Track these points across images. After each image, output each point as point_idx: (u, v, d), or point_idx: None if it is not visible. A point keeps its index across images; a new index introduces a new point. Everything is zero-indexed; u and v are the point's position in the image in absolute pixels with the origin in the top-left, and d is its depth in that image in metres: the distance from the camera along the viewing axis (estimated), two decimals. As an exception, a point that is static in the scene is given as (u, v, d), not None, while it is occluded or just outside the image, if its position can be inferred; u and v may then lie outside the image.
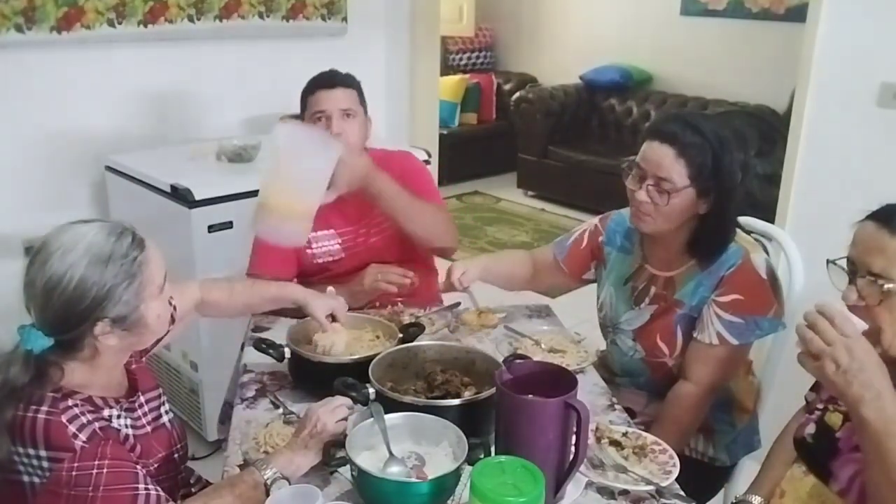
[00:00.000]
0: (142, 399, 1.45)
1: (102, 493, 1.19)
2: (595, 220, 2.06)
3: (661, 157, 1.69)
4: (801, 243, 1.95)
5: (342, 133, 2.05)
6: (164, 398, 1.52)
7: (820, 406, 1.46)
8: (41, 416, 1.22)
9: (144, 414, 1.44)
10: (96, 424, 1.25)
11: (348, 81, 2.14)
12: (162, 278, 1.36)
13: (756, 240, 1.88)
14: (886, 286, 1.25)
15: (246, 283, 1.94)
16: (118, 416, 1.35)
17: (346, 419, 1.40)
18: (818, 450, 1.41)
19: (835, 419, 1.39)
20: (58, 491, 1.19)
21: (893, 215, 1.26)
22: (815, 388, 1.56)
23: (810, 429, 1.44)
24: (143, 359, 1.54)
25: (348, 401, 1.43)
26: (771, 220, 2.53)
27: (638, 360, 1.90)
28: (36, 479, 1.21)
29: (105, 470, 1.21)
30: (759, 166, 4.44)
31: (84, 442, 1.21)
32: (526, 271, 2.11)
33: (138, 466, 1.27)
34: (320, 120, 2.08)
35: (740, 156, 1.77)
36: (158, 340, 1.46)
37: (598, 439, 1.49)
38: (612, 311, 1.95)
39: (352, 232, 2.20)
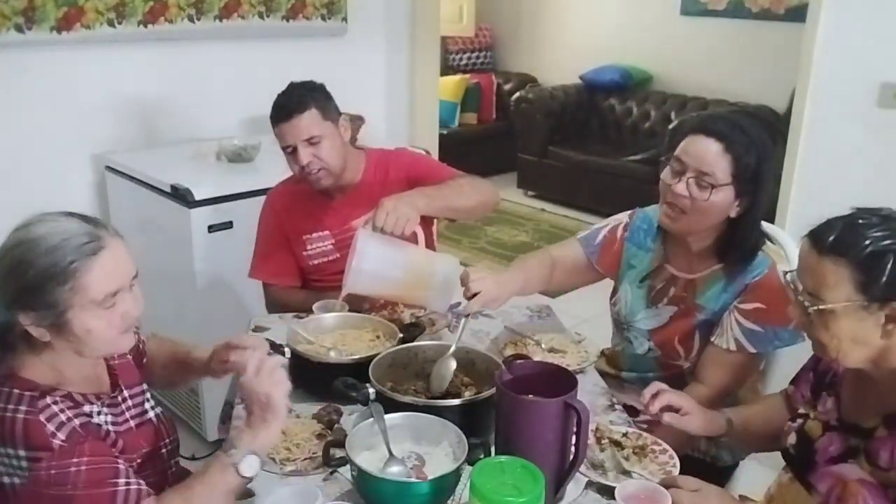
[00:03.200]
0: (125, 394, 1.44)
1: (83, 491, 1.19)
2: (624, 216, 1.99)
3: (706, 150, 1.67)
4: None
5: (310, 161, 2.05)
6: (148, 393, 1.51)
7: (801, 411, 1.46)
8: (20, 415, 1.21)
9: (128, 408, 1.43)
10: (76, 421, 1.24)
11: (303, 104, 2.04)
12: (104, 294, 1.26)
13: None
14: (811, 308, 1.24)
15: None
16: (99, 413, 1.34)
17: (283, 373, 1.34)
18: (799, 460, 1.40)
19: (814, 428, 1.38)
20: (38, 491, 1.19)
21: (824, 235, 1.23)
22: (795, 380, 1.57)
23: (792, 438, 1.43)
24: (129, 355, 1.52)
25: (278, 357, 1.38)
26: (771, 220, 2.53)
27: (651, 359, 1.90)
28: (16, 480, 1.20)
29: (84, 467, 1.20)
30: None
31: (63, 441, 1.21)
32: (545, 274, 1.96)
33: (120, 461, 1.26)
34: (289, 153, 2.08)
35: (774, 165, 1.75)
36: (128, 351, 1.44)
37: (599, 440, 1.49)
38: (627, 308, 1.93)
39: (345, 231, 2.18)
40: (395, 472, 1.32)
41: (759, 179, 1.68)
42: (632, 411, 1.81)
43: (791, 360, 1.66)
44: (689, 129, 1.74)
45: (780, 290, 1.71)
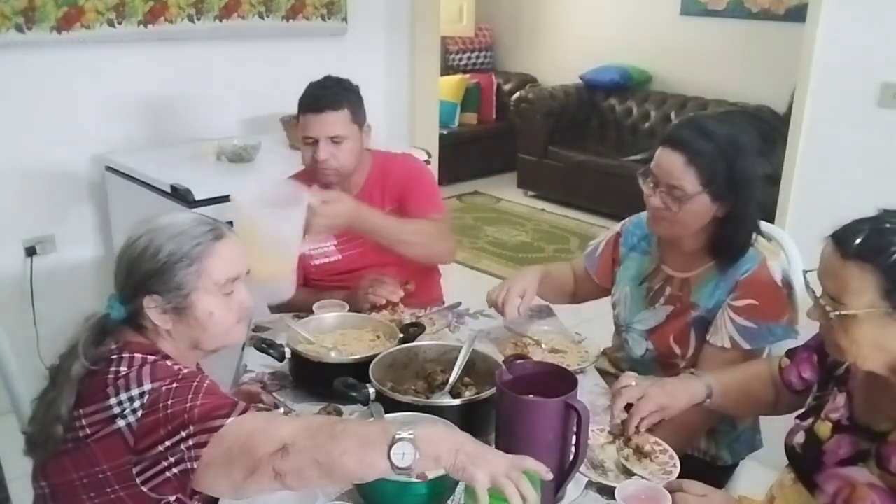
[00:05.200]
0: None
1: (202, 400, 1.20)
2: (618, 226, 2.04)
3: (672, 164, 1.69)
4: (801, 243, 1.95)
5: (328, 159, 2.05)
6: None
7: (810, 406, 1.45)
8: (148, 364, 1.26)
9: None
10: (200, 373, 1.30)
11: (338, 102, 2.06)
12: (225, 278, 1.34)
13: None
14: (832, 314, 1.21)
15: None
16: None
17: None
18: (805, 461, 1.39)
19: (823, 429, 1.37)
20: (155, 412, 1.20)
21: (849, 239, 1.19)
22: (792, 355, 1.55)
23: (799, 437, 1.42)
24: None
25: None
26: (771, 220, 2.53)
27: (649, 360, 1.90)
28: (130, 419, 1.21)
29: (205, 384, 1.24)
30: (760, 166, 4.44)
31: (186, 373, 1.26)
32: (570, 285, 2.09)
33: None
34: (310, 144, 2.07)
35: (756, 160, 1.74)
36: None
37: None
38: (626, 311, 1.95)
39: (346, 234, 2.17)
40: (395, 472, 1.32)
41: (735, 181, 1.68)
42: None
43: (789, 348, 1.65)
44: (660, 139, 1.77)
45: (772, 286, 1.73)
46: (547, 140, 5.91)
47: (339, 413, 1.57)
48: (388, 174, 2.21)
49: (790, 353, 1.58)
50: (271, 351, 1.71)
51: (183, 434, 1.17)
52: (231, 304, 1.37)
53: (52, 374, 1.31)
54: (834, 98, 2.59)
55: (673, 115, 5.47)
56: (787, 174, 2.76)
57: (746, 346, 1.73)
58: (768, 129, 4.59)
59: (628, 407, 1.51)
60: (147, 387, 1.22)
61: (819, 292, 1.27)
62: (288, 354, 1.71)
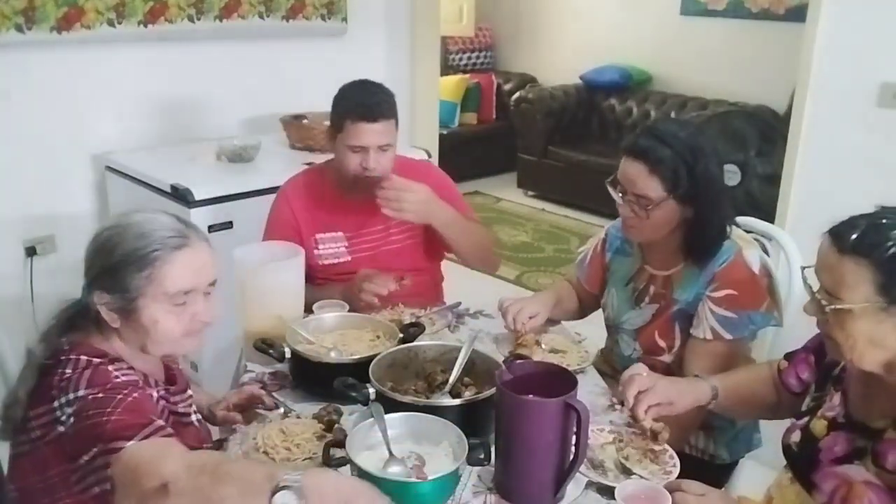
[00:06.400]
0: (179, 398, 1.47)
1: (117, 416, 1.18)
2: (601, 232, 2.09)
3: (635, 174, 1.74)
4: (801, 243, 1.95)
5: (377, 168, 2.04)
6: (191, 400, 1.54)
7: (806, 408, 1.45)
8: (89, 369, 1.25)
9: (177, 403, 1.46)
10: (139, 381, 1.28)
11: (389, 110, 2.07)
12: (177, 289, 1.31)
13: (756, 239, 1.89)
14: (828, 307, 1.22)
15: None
16: (156, 395, 1.37)
17: None
18: (802, 459, 1.39)
19: (819, 427, 1.37)
20: (81, 417, 1.19)
21: (846, 234, 1.21)
22: (791, 357, 1.55)
23: (795, 436, 1.42)
24: (178, 362, 1.56)
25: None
26: (771, 220, 2.53)
27: (637, 360, 1.91)
28: (60, 429, 1.20)
29: (129, 398, 1.22)
30: (759, 166, 4.44)
31: (120, 381, 1.24)
32: (575, 303, 2.12)
33: (161, 419, 1.26)
34: (355, 152, 2.04)
35: (715, 159, 1.79)
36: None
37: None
38: (615, 312, 1.97)
39: (359, 236, 2.18)
40: (395, 472, 1.32)
41: (697, 183, 1.72)
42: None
43: (786, 348, 1.66)
44: (622, 150, 1.81)
45: (748, 275, 1.76)
46: (547, 140, 5.91)
47: (340, 413, 1.57)
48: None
49: (789, 356, 1.58)
50: (271, 351, 1.71)
51: (95, 450, 1.16)
52: (181, 316, 1.33)
53: (27, 355, 1.32)
54: (834, 98, 2.59)
55: (673, 115, 5.47)
56: (786, 174, 2.76)
57: (728, 336, 1.75)
58: (768, 129, 4.60)
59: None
60: (80, 393, 1.22)
61: (816, 288, 1.28)
62: (288, 354, 1.71)
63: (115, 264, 1.28)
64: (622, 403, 1.71)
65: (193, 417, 1.50)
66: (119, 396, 1.21)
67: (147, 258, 1.28)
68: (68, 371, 1.25)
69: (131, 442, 1.14)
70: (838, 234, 1.22)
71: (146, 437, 1.16)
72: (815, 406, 1.43)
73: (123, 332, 1.33)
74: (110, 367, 1.27)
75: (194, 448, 1.44)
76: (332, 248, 2.18)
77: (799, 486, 1.39)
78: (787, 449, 1.45)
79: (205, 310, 1.36)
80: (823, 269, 1.25)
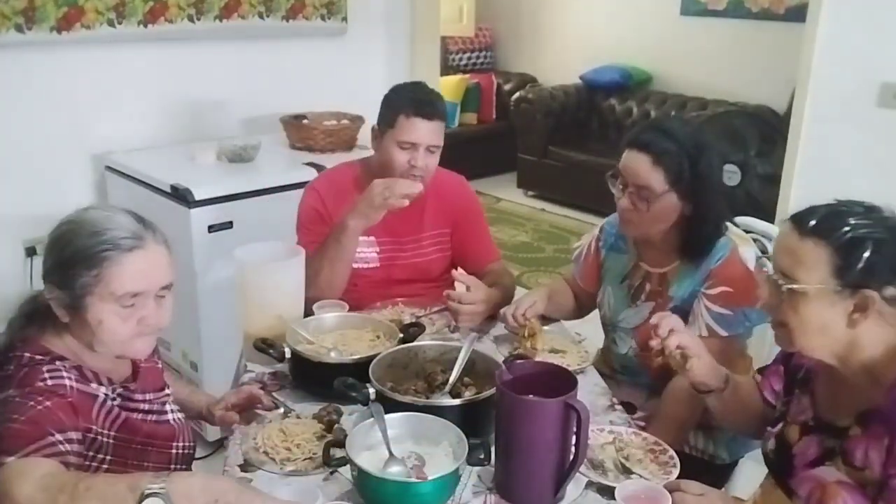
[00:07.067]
0: (146, 396, 1.45)
1: (21, 425, 1.16)
2: (595, 230, 2.09)
3: (639, 165, 1.75)
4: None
5: (424, 168, 2.02)
6: (171, 399, 1.53)
7: (781, 410, 1.46)
8: (26, 368, 1.25)
9: (145, 401, 1.44)
10: (74, 384, 1.26)
11: (444, 114, 2.06)
12: (124, 291, 1.28)
13: (756, 239, 1.90)
14: (785, 286, 1.25)
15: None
16: (106, 394, 1.34)
17: None
18: (779, 466, 1.41)
19: (792, 433, 1.38)
20: (2, 416, 1.18)
21: (806, 218, 1.26)
22: (764, 371, 1.56)
23: (771, 444, 1.44)
24: (158, 361, 1.55)
25: None
26: (771, 220, 2.53)
27: (635, 359, 1.92)
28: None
29: (40, 407, 1.20)
30: (759, 166, 4.44)
31: (47, 385, 1.23)
32: (572, 300, 2.12)
33: (78, 431, 1.23)
34: (404, 149, 2.01)
35: (717, 157, 1.81)
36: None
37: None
38: (611, 310, 1.98)
39: (392, 244, 2.15)
40: (395, 472, 1.32)
41: (699, 179, 1.74)
42: (629, 408, 1.83)
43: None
44: (625, 143, 1.81)
45: (743, 272, 1.76)
46: (547, 140, 5.91)
47: (340, 413, 1.57)
48: (445, 195, 2.18)
49: (762, 370, 1.59)
50: (271, 351, 1.71)
51: None
52: (129, 318, 1.30)
53: None
54: (834, 98, 2.59)
55: (673, 114, 5.47)
56: (786, 174, 2.76)
57: (723, 333, 1.76)
58: (768, 129, 4.60)
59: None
60: (8, 392, 1.22)
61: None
62: (288, 354, 1.71)
63: (65, 260, 1.28)
64: (622, 404, 1.72)
65: (170, 416, 1.49)
66: (31, 403, 1.19)
67: (97, 257, 1.26)
68: (11, 368, 1.27)
69: (12, 458, 1.12)
70: (799, 219, 1.27)
71: (28, 455, 1.13)
72: (785, 410, 1.44)
73: (73, 329, 1.32)
74: (44, 368, 1.26)
75: (167, 445, 1.45)
76: (364, 252, 2.12)
77: (781, 492, 1.40)
78: (765, 457, 1.46)
79: (155, 314, 1.33)
80: (782, 251, 1.29)
